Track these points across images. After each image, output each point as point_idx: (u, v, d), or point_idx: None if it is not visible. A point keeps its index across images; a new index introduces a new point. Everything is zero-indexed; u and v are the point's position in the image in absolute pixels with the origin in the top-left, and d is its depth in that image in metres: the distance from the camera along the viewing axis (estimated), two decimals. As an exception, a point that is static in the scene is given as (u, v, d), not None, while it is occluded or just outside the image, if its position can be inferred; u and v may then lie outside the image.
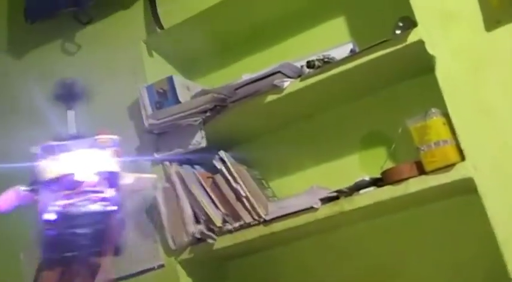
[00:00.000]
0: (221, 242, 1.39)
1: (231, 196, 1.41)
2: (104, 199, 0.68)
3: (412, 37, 1.21)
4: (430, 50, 1.21)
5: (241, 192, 1.39)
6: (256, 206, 1.38)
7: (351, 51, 1.38)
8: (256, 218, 1.37)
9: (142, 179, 0.75)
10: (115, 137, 0.72)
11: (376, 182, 1.27)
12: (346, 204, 1.27)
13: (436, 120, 1.18)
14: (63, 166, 0.67)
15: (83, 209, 0.67)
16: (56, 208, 0.66)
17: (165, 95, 1.52)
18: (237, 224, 1.39)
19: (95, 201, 0.67)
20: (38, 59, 1.81)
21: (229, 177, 1.41)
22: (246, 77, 1.45)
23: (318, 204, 1.29)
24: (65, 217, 0.66)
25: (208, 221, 1.40)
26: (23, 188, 0.71)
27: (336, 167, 1.50)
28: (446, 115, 1.20)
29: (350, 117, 1.50)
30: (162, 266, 1.45)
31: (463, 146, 1.17)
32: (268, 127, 1.56)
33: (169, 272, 1.43)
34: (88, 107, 1.59)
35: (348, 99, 1.48)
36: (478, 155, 1.15)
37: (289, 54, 1.52)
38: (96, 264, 0.77)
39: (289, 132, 1.57)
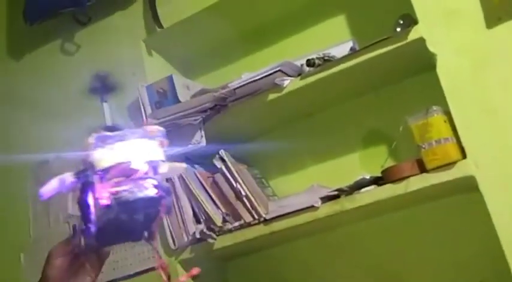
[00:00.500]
0: (221, 242, 1.38)
1: (231, 195, 1.40)
2: (156, 186, 0.71)
3: (413, 35, 1.21)
4: (431, 47, 1.21)
5: (242, 191, 1.38)
6: (256, 205, 1.37)
7: (351, 49, 1.38)
8: (257, 217, 1.36)
9: (175, 167, 0.78)
10: (161, 128, 0.75)
11: (377, 181, 1.26)
12: (346, 203, 1.26)
13: (437, 118, 1.18)
14: (119, 155, 0.71)
15: (139, 195, 0.70)
16: (113, 194, 0.69)
17: (164, 94, 1.52)
18: (237, 224, 1.38)
19: (148, 188, 0.71)
20: (37, 60, 1.81)
21: (230, 177, 1.41)
22: (246, 76, 1.45)
23: (318, 203, 1.29)
24: (121, 202, 0.70)
25: (209, 221, 1.40)
26: (70, 175, 0.73)
27: (337, 166, 1.50)
28: (447, 113, 1.19)
29: (350, 115, 1.49)
30: (162, 265, 1.44)
31: (464, 143, 1.16)
32: (268, 126, 1.56)
33: (170, 271, 1.42)
34: (90, 106, 1.63)
35: (348, 98, 1.47)
36: (479, 152, 1.15)
37: (289, 52, 1.52)
38: (104, 253, 0.77)
39: (290, 131, 1.56)
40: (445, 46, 1.20)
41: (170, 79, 1.51)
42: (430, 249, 1.37)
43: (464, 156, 1.16)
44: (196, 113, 1.42)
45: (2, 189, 1.80)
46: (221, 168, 1.42)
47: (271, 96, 1.36)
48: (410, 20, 1.27)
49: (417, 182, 1.19)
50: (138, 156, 0.71)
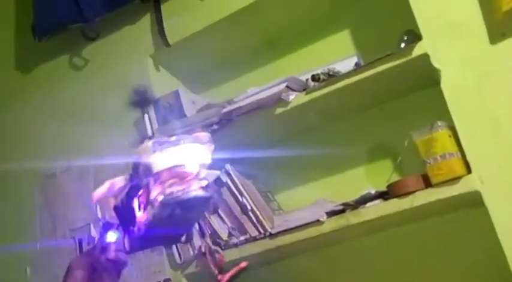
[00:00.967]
0: (227, 256, 1.38)
1: (236, 209, 1.41)
2: (205, 187, 0.77)
3: (417, 51, 1.22)
4: (435, 63, 1.22)
5: (247, 205, 1.39)
6: (262, 219, 1.38)
7: (356, 64, 1.39)
8: (262, 231, 1.37)
9: (211, 173, 0.83)
10: (209, 134, 0.81)
11: (382, 195, 1.27)
12: (352, 218, 1.26)
13: (442, 133, 1.18)
14: (175, 158, 0.76)
15: (193, 194, 0.75)
16: (169, 195, 0.74)
17: (171, 109, 1.53)
18: (242, 238, 1.39)
19: (201, 189, 0.76)
20: (46, 75, 1.83)
21: (235, 191, 1.41)
22: (252, 90, 1.47)
23: (323, 217, 1.29)
24: (176, 201, 0.75)
25: (214, 235, 1.40)
26: (122, 179, 0.79)
27: (342, 180, 1.50)
28: (452, 128, 1.19)
29: (356, 130, 1.50)
30: (168, 280, 1.44)
31: (469, 158, 1.16)
32: (273, 140, 1.57)
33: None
34: (97, 120, 1.65)
35: (353, 112, 1.48)
36: (484, 167, 1.15)
37: (295, 67, 1.53)
38: (122, 264, 0.79)
39: (295, 145, 1.56)
40: (449, 62, 1.21)
41: (177, 94, 1.53)
42: (436, 264, 1.37)
43: (469, 171, 1.16)
44: (202, 127, 1.44)
45: (9, 201, 1.82)
46: (227, 182, 1.42)
47: (277, 110, 1.37)
48: (415, 36, 1.28)
49: (422, 197, 1.19)
50: (191, 159, 0.76)
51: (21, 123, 1.83)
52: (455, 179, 1.16)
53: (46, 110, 1.77)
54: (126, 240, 0.78)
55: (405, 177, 1.26)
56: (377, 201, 1.26)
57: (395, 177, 1.33)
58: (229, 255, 1.39)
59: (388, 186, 1.25)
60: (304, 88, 1.37)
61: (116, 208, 0.79)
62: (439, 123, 1.19)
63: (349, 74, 1.30)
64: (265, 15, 1.55)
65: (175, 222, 0.76)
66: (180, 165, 0.75)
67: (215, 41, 1.61)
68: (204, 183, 0.76)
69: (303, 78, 1.40)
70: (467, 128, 1.17)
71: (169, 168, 0.75)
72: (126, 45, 1.68)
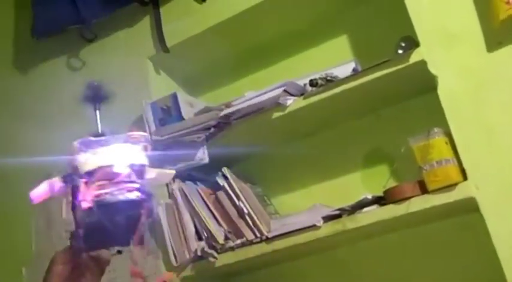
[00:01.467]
0: (223, 259, 1.39)
1: (233, 213, 1.41)
2: (137, 189, 0.73)
3: (414, 57, 1.23)
4: (432, 69, 1.22)
5: (244, 209, 1.39)
6: (258, 223, 1.38)
7: (354, 69, 1.40)
8: (259, 235, 1.37)
9: (163, 173, 0.80)
10: (145, 133, 0.77)
11: (379, 201, 1.27)
12: (348, 223, 1.27)
13: (438, 140, 1.19)
14: (102, 159, 0.73)
15: (120, 197, 0.72)
16: (96, 197, 0.71)
17: (168, 111, 1.53)
18: (239, 241, 1.39)
19: (130, 191, 0.72)
20: (43, 75, 1.83)
21: (232, 194, 1.41)
22: (250, 94, 1.47)
23: (320, 222, 1.29)
24: (103, 205, 0.71)
25: (211, 238, 1.40)
26: (58, 179, 0.75)
27: (339, 185, 1.51)
28: (448, 134, 1.20)
29: (352, 135, 1.50)
30: (163, 283, 1.45)
31: (465, 165, 1.17)
32: (271, 144, 1.57)
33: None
34: (94, 122, 1.64)
35: (350, 117, 1.49)
36: (480, 174, 1.16)
37: (292, 72, 1.54)
38: (104, 261, 0.78)
39: (292, 150, 1.57)
40: (446, 68, 1.22)
41: (174, 96, 1.53)
42: (431, 269, 1.37)
43: (465, 177, 1.17)
44: (200, 130, 1.44)
45: (4, 202, 1.81)
46: (224, 186, 1.43)
47: (274, 115, 1.38)
48: (412, 42, 1.29)
49: (418, 203, 1.20)
50: (120, 160, 0.73)
51: (18, 123, 1.83)
52: (451, 186, 1.17)
53: (42, 110, 1.77)
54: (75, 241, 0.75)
55: (402, 183, 1.26)
56: (373, 207, 1.27)
57: (391, 183, 1.33)
58: (225, 258, 1.39)
59: (384, 192, 1.26)
60: (302, 93, 1.38)
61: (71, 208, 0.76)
62: (436, 129, 1.20)
63: (346, 80, 1.31)
64: (264, 19, 1.56)
65: (105, 227, 0.72)
66: (109, 166, 0.72)
67: (213, 45, 1.61)
68: (136, 185, 0.73)
69: (301, 82, 1.41)
70: (463, 135, 1.18)
71: (97, 170, 0.72)
72: (125, 48, 1.68)
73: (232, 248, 1.39)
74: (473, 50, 1.20)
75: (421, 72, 1.23)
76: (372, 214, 1.25)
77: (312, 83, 1.36)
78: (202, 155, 1.44)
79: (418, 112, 1.40)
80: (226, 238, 1.40)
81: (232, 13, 1.51)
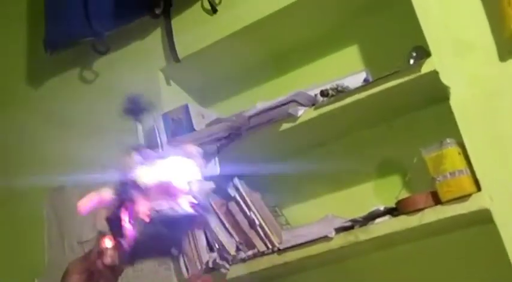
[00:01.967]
0: (235, 271, 1.38)
1: (244, 224, 1.41)
2: (194, 204, 0.74)
3: (426, 67, 1.22)
4: (444, 80, 1.22)
5: (255, 220, 1.39)
6: (270, 234, 1.37)
7: (365, 80, 1.39)
8: (270, 246, 1.37)
9: (204, 186, 0.80)
10: (200, 148, 0.78)
11: (391, 212, 1.26)
12: (360, 234, 1.26)
13: (451, 150, 1.18)
14: (161, 173, 0.74)
15: (180, 211, 0.73)
16: (154, 210, 0.72)
17: (180, 122, 1.54)
18: (250, 252, 1.39)
19: (188, 206, 0.74)
20: (57, 88, 1.85)
21: (243, 205, 1.41)
22: (261, 105, 1.47)
23: (332, 233, 1.29)
24: (162, 218, 0.72)
25: (222, 249, 1.40)
26: (109, 191, 0.76)
27: (350, 196, 1.50)
28: (461, 145, 1.19)
29: (364, 145, 1.50)
30: (175, 294, 1.44)
31: (478, 176, 1.16)
32: (282, 155, 1.57)
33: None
34: (107, 134, 1.66)
35: (362, 128, 1.48)
36: (494, 185, 1.14)
37: (303, 82, 1.53)
38: (119, 270, 0.78)
39: (303, 160, 1.56)
40: (458, 78, 1.21)
41: (186, 108, 1.54)
42: (443, 280, 1.36)
43: (479, 188, 1.16)
44: (211, 141, 1.44)
45: (17, 213, 1.83)
46: (235, 197, 1.43)
47: (285, 125, 1.38)
48: (423, 52, 1.28)
49: (432, 214, 1.18)
50: (178, 174, 0.74)
51: (32, 136, 1.85)
52: (465, 197, 1.16)
53: (56, 123, 1.79)
54: (116, 253, 0.76)
55: (414, 193, 1.25)
56: (386, 218, 1.26)
57: (404, 193, 1.32)
58: (237, 270, 1.38)
59: (397, 203, 1.25)
60: (313, 103, 1.38)
61: (108, 219, 0.76)
62: (448, 140, 1.19)
63: (358, 90, 1.30)
64: (275, 30, 1.56)
65: (161, 238, 0.75)
66: (167, 180, 0.73)
67: (225, 56, 1.62)
68: (193, 199, 0.74)
69: (312, 92, 1.41)
70: (476, 146, 1.17)
71: (156, 183, 0.73)
72: (137, 60, 1.70)
73: (243, 260, 1.38)
74: (485, 60, 1.19)
75: (433, 83, 1.23)
76: (385, 225, 1.24)
77: (323, 94, 1.36)
78: (214, 166, 1.45)
79: (430, 122, 1.39)
80: (238, 249, 1.40)
81: (243, 24, 1.52)
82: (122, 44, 1.74)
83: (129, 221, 0.73)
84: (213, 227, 1.41)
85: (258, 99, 1.53)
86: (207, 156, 1.45)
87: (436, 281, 1.36)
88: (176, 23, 1.65)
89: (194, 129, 1.51)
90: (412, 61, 1.31)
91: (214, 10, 1.61)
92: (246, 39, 1.57)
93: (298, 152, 1.56)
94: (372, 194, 1.47)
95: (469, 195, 1.15)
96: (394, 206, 1.26)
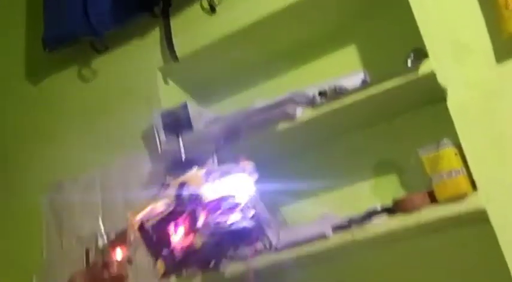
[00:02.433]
0: (232, 269, 1.39)
1: (242, 223, 1.41)
2: (252, 218, 0.81)
3: (424, 69, 1.23)
4: (442, 81, 1.23)
5: (253, 219, 1.39)
6: (267, 232, 1.38)
7: (363, 81, 1.40)
8: (267, 245, 1.37)
9: (258, 203, 0.83)
10: (253, 163, 0.84)
11: (388, 211, 1.27)
12: (357, 233, 1.27)
13: (448, 151, 1.19)
14: (225, 189, 0.80)
15: (241, 225, 0.79)
16: (217, 224, 0.77)
17: (178, 121, 1.54)
18: (248, 251, 1.39)
19: (247, 219, 0.80)
20: (55, 86, 1.85)
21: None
22: (259, 105, 1.48)
23: (329, 232, 1.30)
24: (225, 231, 0.78)
25: (220, 248, 1.41)
26: (163, 204, 0.80)
27: (348, 195, 1.51)
28: (458, 145, 1.21)
29: (362, 145, 1.51)
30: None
31: (475, 176, 1.17)
32: (280, 154, 1.58)
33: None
34: (104, 132, 1.67)
35: (359, 128, 1.49)
36: (490, 185, 1.16)
37: (301, 82, 1.55)
38: (124, 278, 0.79)
39: (301, 159, 1.58)
40: (455, 80, 1.23)
41: (185, 106, 1.54)
42: (440, 280, 1.37)
43: (475, 188, 1.17)
44: (209, 141, 1.45)
45: (15, 209, 1.83)
46: (233, 196, 1.43)
47: (284, 125, 1.39)
48: (421, 54, 1.29)
49: (428, 214, 1.20)
50: (239, 190, 0.80)
51: (31, 134, 1.85)
52: (461, 197, 1.17)
53: (54, 121, 1.79)
54: (159, 264, 0.79)
55: (411, 193, 1.27)
56: (383, 217, 1.27)
57: (401, 193, 1.34)
58: (234, 268, 1.39)
59: (394, 202, 1.26)
60: (311, 103, 1.38)
61: (143, 230, 0.79)
62: (445, 140, 1.20)
63: (356, 91, 1.31)
64: (273, 30, 1.57)
65: (219, 250, 0.80)
66: (230, 196, 0.78)
67: (223, 55, 1.63)
68: (251, 213, 0.80)
69: (310, 93, 1.41)
70: (473, 146, 1.18)
71: (217, 198, 0.78)
72: (135, 58, 1.70)
73: (241, 258, 1.39)
74: (482, 62, 1.21)
75: (431, 84, 1.24)
76: (382, 224, 1.25)
77: (321, 94, 1.37)
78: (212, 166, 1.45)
79: (427, 123, 1.40)
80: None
81: (242, 24, 1.53)
82: (120, 43, 1.74)
83: (184, 233, 0.77)
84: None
85: (256, 99, 1.54)
86: (205, 156, 1.45)
87: (432, 279, 1.38)
88: (175, 22, 1.66)
89: (192, 128, 1.51)
90: (410, 62, 1.32)
91: (213, 10, 1.62)
92: (245, 39, 1.58)
93: (295, 151, 1.57)
94: (369, 194, 1.48)
95: (465, 195, 1.17)
96: (391, 205, 1.27)
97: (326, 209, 1.46)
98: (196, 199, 0.77)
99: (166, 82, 1.67)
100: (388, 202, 1.28)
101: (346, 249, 1.32)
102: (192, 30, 1.62)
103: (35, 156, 1.81)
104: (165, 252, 0.77)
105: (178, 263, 0.77)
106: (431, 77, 1.23)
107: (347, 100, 1.31)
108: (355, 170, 1.51)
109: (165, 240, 0.76)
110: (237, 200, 0.78)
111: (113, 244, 0.81)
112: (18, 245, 1.79)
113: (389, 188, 1.39)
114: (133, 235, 0.78)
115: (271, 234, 1.32)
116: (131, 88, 1.65)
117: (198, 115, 1.57)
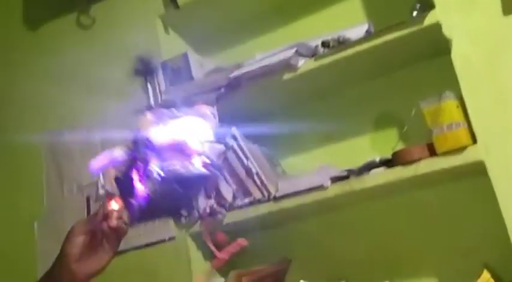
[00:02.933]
0: (231, 217, 1.41)
1: (241, 172, 1.42)
2: (207, 164, 0.76)
3: (429, 19, 1.21)
4: (447, 32, 1.21)
5: (252, 169, 1.41)
6: (266, 182, 1.40)
7: (367, 32, 1.38)
8: (266, 194, 1.39)
9: (214, 148, 0.81)
10: (214, 109, 0.80)
11: (387, 163, 1.28)
12: (355, 184, 1.28)
13: (449, 103, 1.19)
14: (176, 132, 0.75)
15: (194, 171, 0.74)
16: (169, 169, 0.73)
17: (179, 71, 1.53)
18: (247, 200, 1.41)
19: (201, 166, 0.75)
20: (53, 33, 1.82)
21: (241, 154, 1.43)
22: (260, 55, 1.46)
23: (327, 183, 1.31)
24: (176, 177, 0.73)
25: (219, 196, 1.42)
26: (121, 151, 0.77)
27: (347, 147, 1.51)
28: (460, 98, 1.20)
29: (363, 97, 1.50)
30: (172, 238, 1.48)
31: (475, 129, 1.17)
32: (281, 105, 1.57)
33: (180, 244, 1.46)
34: (101, 80, 1.65)
35: (361, 80, 1.48)
36: (490, 138, 1.16)
37: (304, 33, 1.52)
38: (122, 231, 0.80)
39: (302, 111, 1.57)
40: (460, 32, 1.21)
41: (185, 56, 1.53)
42: (435, 231, 1.39)
43: (475, 141, 1.18)
44: (210, 91, 1.44)
45: (15, 158, 1.84)
46: (233, 146, 1.44)
47: (285, 76, 1.37)
48: (427, 5, 1.27)
49: (427, 166, 1.20)
50: (192, 134, 0.75)
51: (28, 80, 1.84)
52: (461, 149, 1.17)
53: (51, 71, 1.77)
54: (126, 212, 0.77)
55: (410, 145, 1.27)
56: (381, 169, 1.28)
57: (400, 146, 1.34)
58: (233, 216, 1.41)
59: (393, 154, 1.27)
60: (314, 54, 1.37)
61: (116, 179, 0.77)
62: (447, 93, 1.20)
63: (359, 42, 1.30)
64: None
65: (174, 197, 0.75)
66: (181, 140, 0.74)
67: (225, 4, 1.60)
68: (206, 159, 0.75)
69: (313, 44, 1.40)
70: (475, 99, 1.18)
71: (170, 142, 0.74)
72: (135, 5, 1.66)
73: (240, 207, 1.41)
74: (489, 13, 1.19)
75: (435, 35, 1.22)
76: (379, 176, 1.26)
77: (324, 45, 1.35)
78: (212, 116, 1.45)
79: (430, 75, 1.39)
80: (234, 197, 1.42)
81: (245, -28, 1.49)
82: (120, -11, 1.70)
83: (141, 181, 0.74)
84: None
85: (258, 49, 1.52)
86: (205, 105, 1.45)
87: (430, 231, 1.40)
88: (177, -32, 1.61)
89: (193, 78, 1.50)
90: (415, 13, 1.29)
91: (216, -45, 1.57)
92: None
93: (296, 103, 1.56)
94: (369, 146, 1.48)
95: (465, 147, 1.17)
96: (390, 157, 1.28)
97: (326, 161, 1.47)
98: (146, 143, 0.74)
99: (166, 31, 1.64)
100: (388, 155, 1.29)
101: (344, 199, 1.33)
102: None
103: (33, 109, 1.80)
104: (130, 200, 0.75)
105: (140, 211, 0.75)
106: (437, 28, 1.21)
107: (350, 51, 1.30)
108: (356, 122, 1.51)
109: (131, 189, 0.74)
110: (189, 145, 0.74)
111: (109, 195, 0.80)
112: (19, 192, 1.81)
113: (389, 141, 1.39)
114: (111, 186, 0.77)
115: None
116: (131, 36, 1.62)
117: (199, 65, 1.56)
